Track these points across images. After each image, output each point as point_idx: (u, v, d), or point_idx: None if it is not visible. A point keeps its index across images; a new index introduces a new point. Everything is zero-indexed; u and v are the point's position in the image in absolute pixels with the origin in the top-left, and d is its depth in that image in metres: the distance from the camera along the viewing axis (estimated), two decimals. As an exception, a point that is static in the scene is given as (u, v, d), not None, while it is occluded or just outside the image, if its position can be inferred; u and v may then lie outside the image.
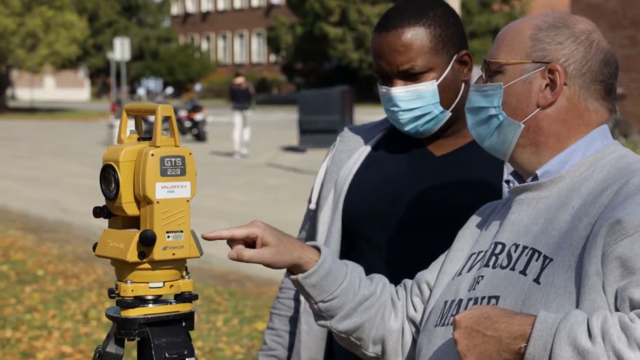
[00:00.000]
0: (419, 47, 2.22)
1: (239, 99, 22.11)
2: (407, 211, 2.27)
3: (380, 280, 2.06)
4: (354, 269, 2.02)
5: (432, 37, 2.23)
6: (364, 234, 2.31)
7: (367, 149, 2.38)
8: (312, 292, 1.97)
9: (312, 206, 2.40)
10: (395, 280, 2.09)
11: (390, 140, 2.37)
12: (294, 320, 2.44)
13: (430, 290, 2.01)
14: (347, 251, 2.32)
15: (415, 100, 2.24)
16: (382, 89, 2.28)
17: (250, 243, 1.90)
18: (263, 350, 2.47)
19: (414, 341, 2.02)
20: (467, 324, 1.65)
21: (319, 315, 2.01)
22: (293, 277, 1.96)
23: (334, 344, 2.34)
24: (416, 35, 2.23)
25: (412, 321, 2.02)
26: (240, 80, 22.57)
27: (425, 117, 2.25)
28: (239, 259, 1.87)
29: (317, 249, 1.98)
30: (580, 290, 1.66)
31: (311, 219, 2.42)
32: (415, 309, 2.02)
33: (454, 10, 2.33)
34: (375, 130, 2.42)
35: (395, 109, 2.25)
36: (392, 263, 2.23)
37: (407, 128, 2.27)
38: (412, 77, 2.24)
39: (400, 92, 2.24)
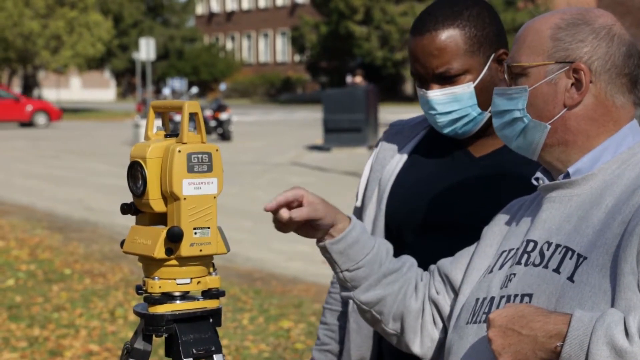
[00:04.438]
0: (454, 50, 2.18)
1: None
2: (446, 216, 2.24)
3: (408, 260, 2.09)
4: (382, 243, 2.05)
5: (467, 38, 2.19)
6: (405, 238, 2.28)
7: (409, 148, 2.36)
8: (339, 260, 1.99)
9: (358, 204, 2.40)
10: None
11: (432, 140, 2.34)
12: (345, 315, 2.42)
13: (450, 283, 2.01)
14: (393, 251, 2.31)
15: (452, 103, 2.20)
16: (420, 92, 2.25)
17: (294, 206, 1.92)
18: (317, 345, 2.47)
19: (435, 323, 2.03)
20: (502, 322, 1.63)
21: (343, 286, 2.04)
22: (321, 244, 1.98)
23: (383, 343, 2.33)
24: (450, 38, 2.18)
25: (433, 302, 2.03)
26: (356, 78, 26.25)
27: (463, 119, 2.22)
28: (299, 218, 1.89)
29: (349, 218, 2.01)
30: (615, 289, 1.64)
31: (358, 216, 2.41)
32: (437, 292, 2.03)
33: (491, 7, 2.26)
34: (418, 127, 2.39)
35: (433, 112, 2.22)
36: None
37: (445, 131, 2.24)
38: (448, 79, 2.19)
39: (437, 95, 2.20)
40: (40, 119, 36.73)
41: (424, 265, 2.19)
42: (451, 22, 2.19)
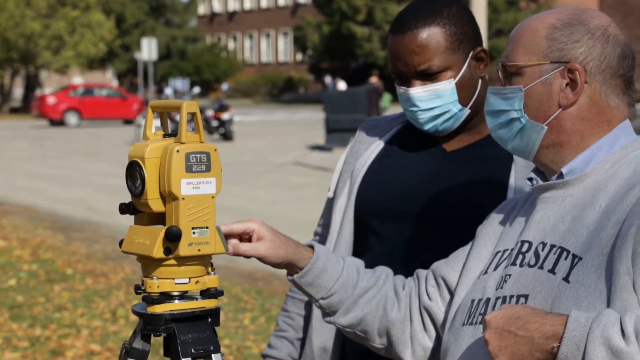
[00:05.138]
0: (435, 47, 2.23)
1: None
2: (414, 206, 2.28)
3: (383, 271, 2.09)
4: (351, 263, 2.05)
5: (448, 36, 2.24)
6: (372, 227, 2.33)
7: (383, 141, 2.41)
8: (311, 291, 2.01)
9: (330, 195, 2.45)
10: (401, 274, 2.11)
11: (406, 134, 2.40)
12: (309, 305, 2.47)
13: (447, 286, 2.01)
14: (360, 242, 2.35)
15: (434, 100, 2.25)
16: (400, 90, 2.29)
17: (246, 239, 1.94)
18: (275, 331, 2.52)
19: (426, 330, 2.03)
20: (498, 324, 1.63)
21: (323, 312, 2.06)
22: (289, 277, 2.00)
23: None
24: (432, 36, 2.23)
25: (427, 310, 2.03)
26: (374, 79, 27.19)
27: (444, 115, 2.26)
28: (235, 253, 1.91)
29: (312, 247, 2.01)
30: (611, 289, 1.65)
31: (329, 207, 2.46)
32: (430, 298, 2.02)
33: (467, 7, 2.34)
34: (393, 122, 2.45)
35: (414, 109, 2.27)
36: (399, 257, 2.25)
37: (426, 127, 2.28)
38: (429, 76, 2.24)
39: (419, 92, 2.25)
40: None
41: (390, 253, 2.24)
42: (432, 20, 2.24)
